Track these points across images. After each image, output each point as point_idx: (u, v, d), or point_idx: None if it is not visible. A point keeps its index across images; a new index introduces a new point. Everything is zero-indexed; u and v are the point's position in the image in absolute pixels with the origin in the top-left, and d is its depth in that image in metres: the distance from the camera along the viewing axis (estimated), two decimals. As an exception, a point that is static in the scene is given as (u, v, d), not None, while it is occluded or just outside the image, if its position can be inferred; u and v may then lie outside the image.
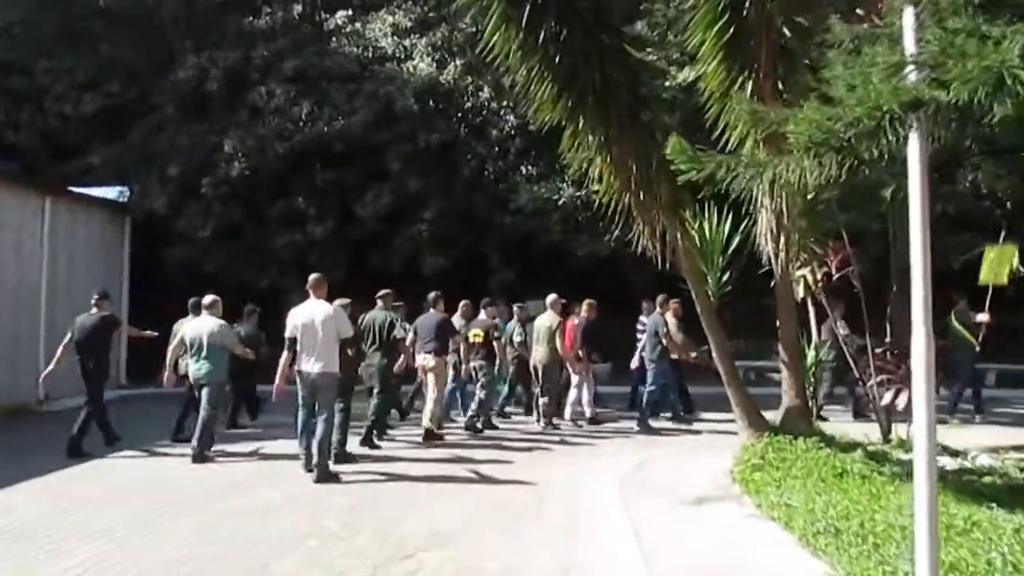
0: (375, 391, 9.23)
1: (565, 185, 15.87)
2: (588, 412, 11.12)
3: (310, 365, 7.42)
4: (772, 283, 8.43)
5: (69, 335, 9.28)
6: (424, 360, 9.80)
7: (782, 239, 6.98)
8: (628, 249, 16.89)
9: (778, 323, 8.35)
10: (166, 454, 9.04)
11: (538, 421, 10.87)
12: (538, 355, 10.74)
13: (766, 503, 6.07)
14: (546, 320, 10.79)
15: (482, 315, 11.24)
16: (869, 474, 6.71)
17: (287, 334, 7.71)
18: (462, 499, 6.91)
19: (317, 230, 16.68)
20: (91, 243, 16.51)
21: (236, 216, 16.97)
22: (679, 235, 7.93)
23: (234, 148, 16.67)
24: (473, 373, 10.49)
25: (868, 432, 8.54)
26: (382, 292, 9.76)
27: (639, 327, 12.11)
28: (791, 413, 7.95)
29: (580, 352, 10.89)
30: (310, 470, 7.45)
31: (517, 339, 11.18)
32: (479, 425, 10.35)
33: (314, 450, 7.37)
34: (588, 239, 15.93)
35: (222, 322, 8.97)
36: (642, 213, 8.03)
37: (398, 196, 16.66)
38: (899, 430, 8.34)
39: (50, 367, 9.43)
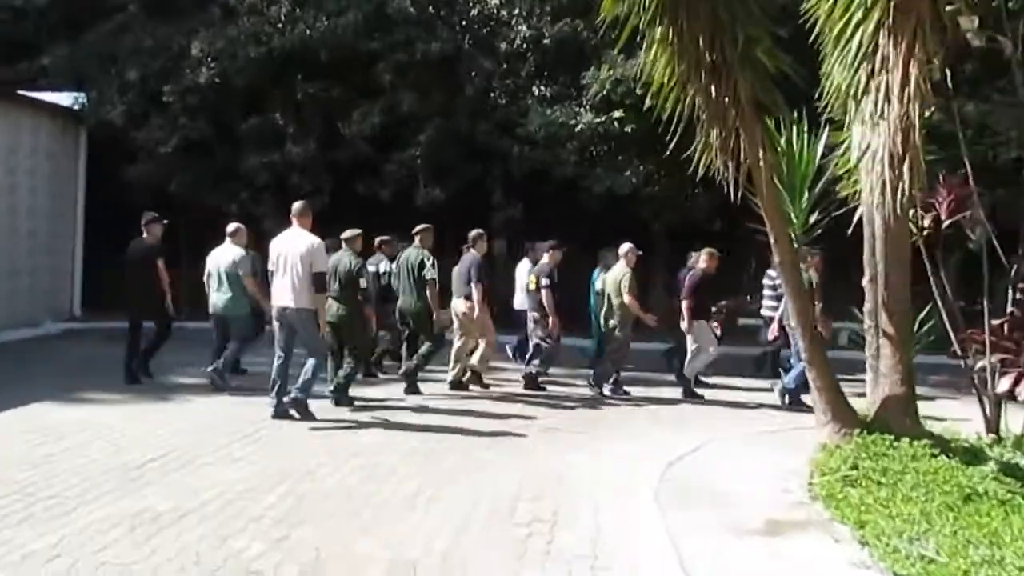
0: (420, 337, 9.02)
1: (583, 110, 13.70)
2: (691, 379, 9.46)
3: (284, 299, 7.06)
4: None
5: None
6: (456, 305, 9.14)
7: (906, 164, 4.95)
8: (650, 187, 15.13)
9: (871, 283, 6.36)
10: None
11: (592, 387, 9.42)
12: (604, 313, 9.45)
13: (880, 546, 4.20)
14: (616, 271, 9.34)
15: (545, 258, 9.57)
16: (1009, 498, 4.85)
17: (269, 265, 7.32)
18: (445, 505, 5.06)
19: (296, 151, 14.54)
20: (41, 155, 14.42)
21: (204, 131, 14.77)
22: (760, 150, 5.78)
23: (202, 51, 14.39)
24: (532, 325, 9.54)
25: (958, 423, 6.71)
26: (419, 228, 9.11)
27: (767, 281, 10.21)
28: (890, 404, 6.03)
29: (686, 306, 9.21)
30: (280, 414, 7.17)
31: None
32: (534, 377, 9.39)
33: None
34: (605, 174, 13.82)
35: (242, 251, 8.66)
36: (712, 115, 5.91)
37: (390, 115, 14.47)
38: (1012, 426, 6.47)
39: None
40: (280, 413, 7.06)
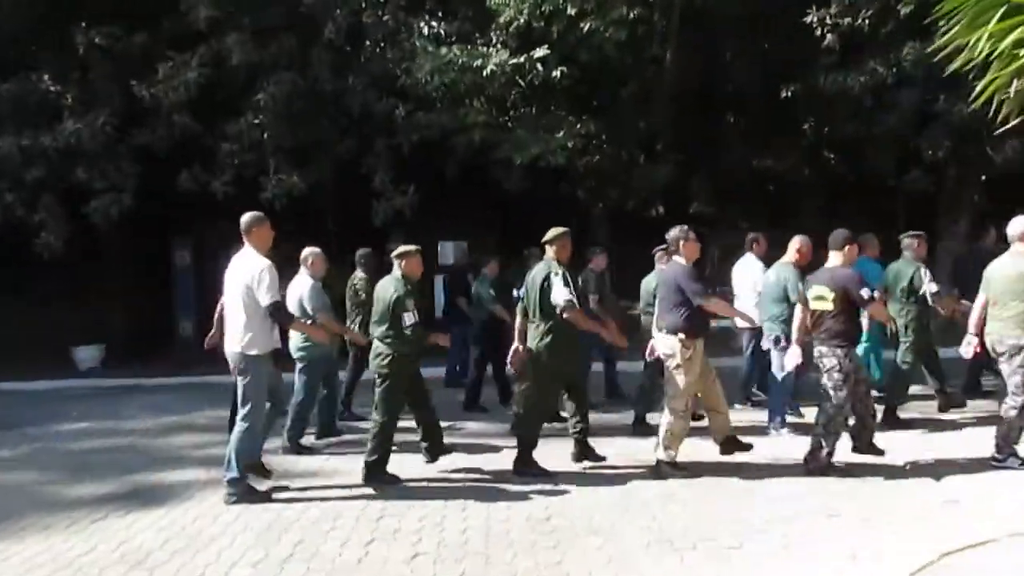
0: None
1: (492, 49, 9.73)
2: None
3: (229, 343, 5.23)
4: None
5: None
6: (662, 341, 5.41)
7: None
8: (589, 157, 11.35)
9: None
10: None
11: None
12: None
13: None
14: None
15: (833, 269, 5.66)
16: None
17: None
18: None
19: (79, 129, 9.94)
20: None
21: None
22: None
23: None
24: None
25: None
26: (552, 234, 5.57)
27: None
28: None
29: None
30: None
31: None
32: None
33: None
34: (529, 138, 9.87)
35: (312, 282, 6.38)
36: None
37: (215, 71, 10.09)
38: None
39: None
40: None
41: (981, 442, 5.44)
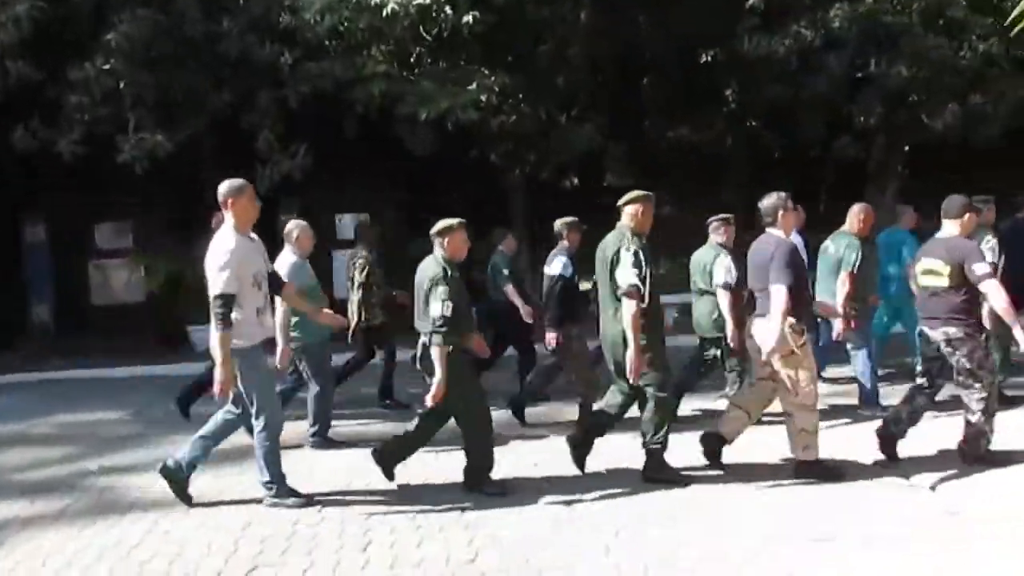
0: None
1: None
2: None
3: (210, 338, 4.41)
4: None
5: None
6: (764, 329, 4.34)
7: None
8: (505, 116, 10.15)
9: None
10: None
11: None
12: None
13: None
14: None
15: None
16: None
17: None
18: None
19: None
20: None
21: None
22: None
23: None
24: None
25: None
26: (629, 197, 4.48)
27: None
28: None
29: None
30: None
31: None
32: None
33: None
34: (436, 91, 8.60)
35: (295, 259, 5.36)
36: None
37: (53, 2, 8.35)
38: None
39: None
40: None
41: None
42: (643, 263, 4.20)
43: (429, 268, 4.30)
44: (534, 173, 10.78)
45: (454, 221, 4.36)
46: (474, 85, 8.44)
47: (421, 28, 8.69)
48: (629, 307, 4.16)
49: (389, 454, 4.42)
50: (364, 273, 6.09)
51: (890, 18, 9.38)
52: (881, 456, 4.59)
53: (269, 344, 4.47)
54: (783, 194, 4.48)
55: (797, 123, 11.16)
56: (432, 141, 9.26)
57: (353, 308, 6.08)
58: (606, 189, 16.25)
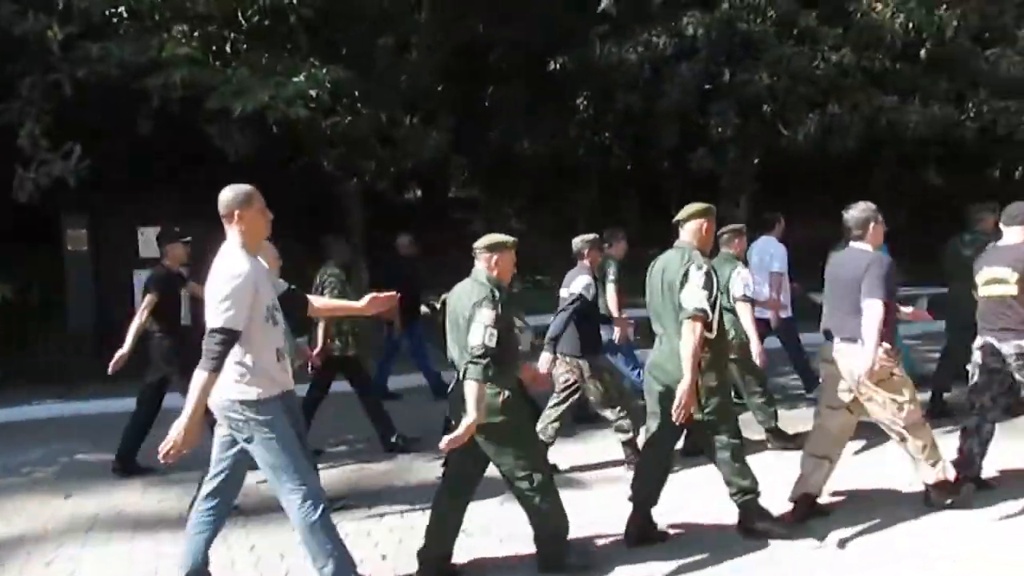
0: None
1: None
2: None
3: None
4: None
5: None
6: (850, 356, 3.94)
7: None
8: (339, 119, 8.59)
9: None
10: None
11: None
12: None
13: None
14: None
15: None
16: None
17: None
18: None
19: None
20: None
21: None
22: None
23: None
24: None
25: None
26: (690, 211, 3.96)
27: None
28: None
29: None
30: None
31: None
32: None
33: None
34: (255, 83, 7.16)
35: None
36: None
37: None
38: None
39: None
40: None
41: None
42: (714, 286, 3.73)
43: (471, 290, 3.50)
44: (372, 182, 9.57)
45: (508, 238, 3.66)
46: (301, 77, 7.10)
47: (238, 12, 7.28)
48: (691, 334, 3.62)
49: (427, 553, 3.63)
50: (336, 295, 5.26)
51: (745, 26, 9.10)
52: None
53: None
54: (872, 205, 4.11)
55: (650, 132, 10.77)
56: (250, 142, 7.80)
57: (319, 334, 5.32)
58: (452, 201, 15.32)
